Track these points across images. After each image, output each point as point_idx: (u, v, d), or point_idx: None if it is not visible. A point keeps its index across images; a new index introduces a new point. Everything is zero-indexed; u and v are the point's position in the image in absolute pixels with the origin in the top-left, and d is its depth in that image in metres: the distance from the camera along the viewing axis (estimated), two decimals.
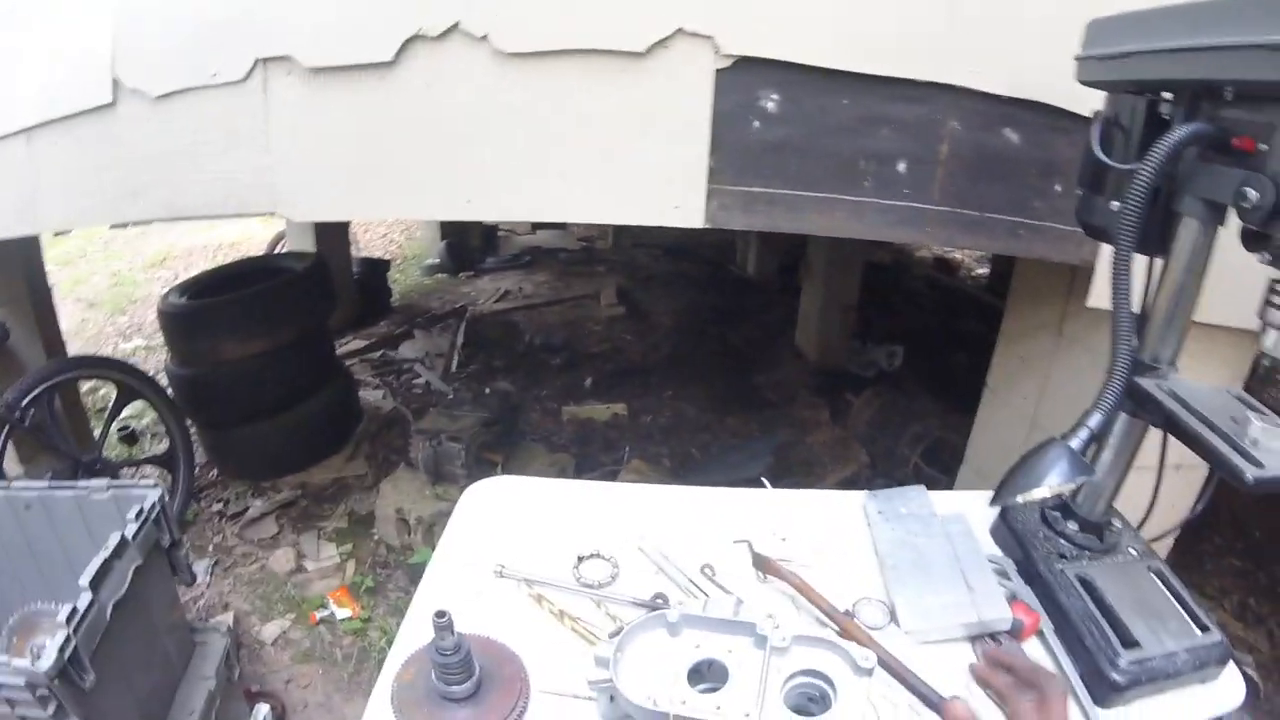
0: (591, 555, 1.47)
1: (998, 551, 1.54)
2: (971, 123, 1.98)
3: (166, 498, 2.29)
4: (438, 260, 7.72)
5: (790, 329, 5.62)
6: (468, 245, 7.81)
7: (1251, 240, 1.09)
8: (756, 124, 1.95)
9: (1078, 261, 2.10)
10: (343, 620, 3.29)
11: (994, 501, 1.27)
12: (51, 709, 1.71)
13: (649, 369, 5.35)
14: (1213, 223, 1.19)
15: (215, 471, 4.23)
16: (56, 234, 3.59)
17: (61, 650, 1.70)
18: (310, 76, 2.14)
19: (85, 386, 4.57)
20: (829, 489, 3.04)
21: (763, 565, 1.38)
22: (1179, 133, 1.09)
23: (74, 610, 1.79)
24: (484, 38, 1.95)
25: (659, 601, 1.34)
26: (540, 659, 1.24)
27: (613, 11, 1.90)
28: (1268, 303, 1.13)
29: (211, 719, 2.33)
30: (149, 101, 2.38)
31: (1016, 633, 1.33)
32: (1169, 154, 1.09)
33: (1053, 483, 1.16)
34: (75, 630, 1.76)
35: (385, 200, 2.35)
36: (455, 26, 1.97)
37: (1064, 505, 1.51)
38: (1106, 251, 1.85)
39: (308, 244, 6.02)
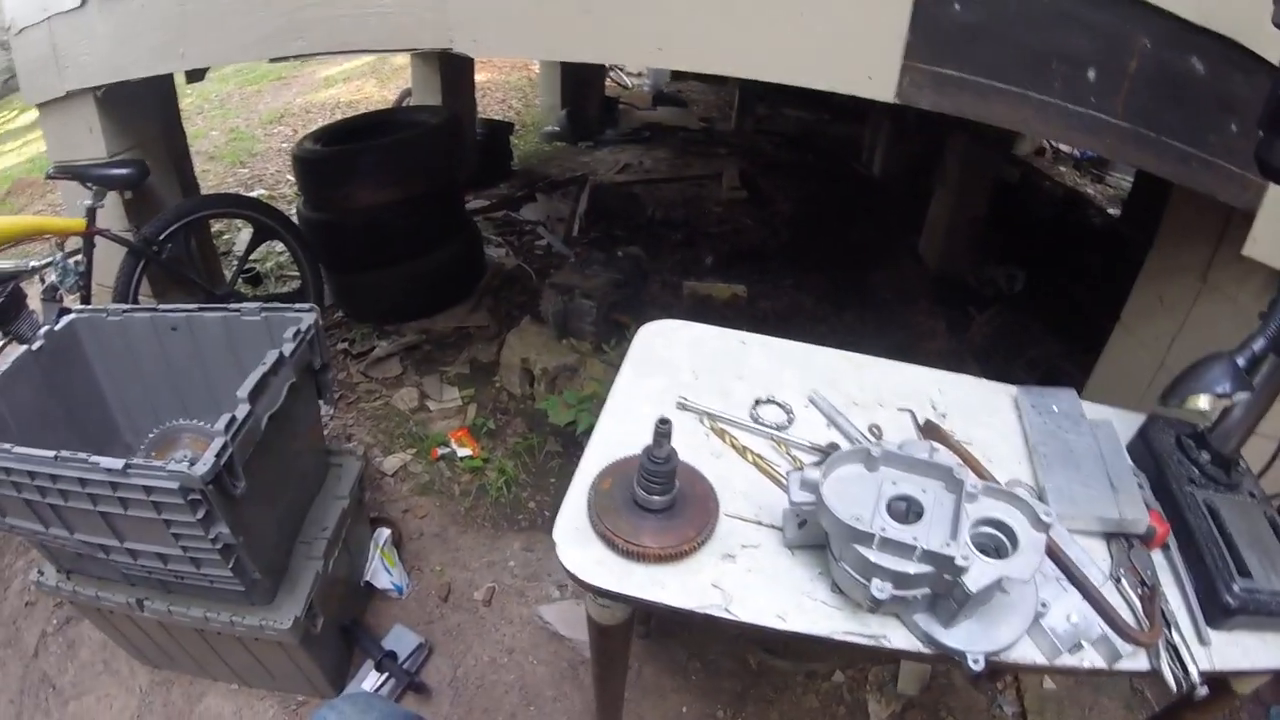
0: (766, 400, 1.58)
1: (1133, 465, 1.61)
2: (1160, 42, 1.95)
3: (320, 323, 2.37)
4: (557, 128, 7.74)
5: (911, 233, 5.56)
6: (588, 115, 7.81)
7: None
8: (956, 6, 1.95)
9: (1240, 205, 2.08)
10: (462, 458, 3.47)
11: (1161, 401, 1.34)
12: (200, 513, 1.79)
13: (768, 255, 5.35)
14: None
15: (341, 314, 4.42)
16: (190, 80, 3.70)
17: (218, 457, 1.77)
18: None
19: (215, 228, 4.78)
20: None
21: (930, 433, 1.48)
22: None
23: (232, 419, 1.86)
24: None
25: (833, 449, 1.45)
26: (724, 486, 1.36)
27: None
28: None
29: (342, 536, 2.47)
30: None
31: (1149, 538, 1.41)
32: None
33: (1215, 390, 1.23)
34: (232, 439, 1.83)
35: (568, 41, 2.39)
36: None
37: (1198, 435, 1.57)
38: (1272, 200, 1.86)
39: (434, 101, 6.11)
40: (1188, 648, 1.25)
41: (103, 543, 1.98)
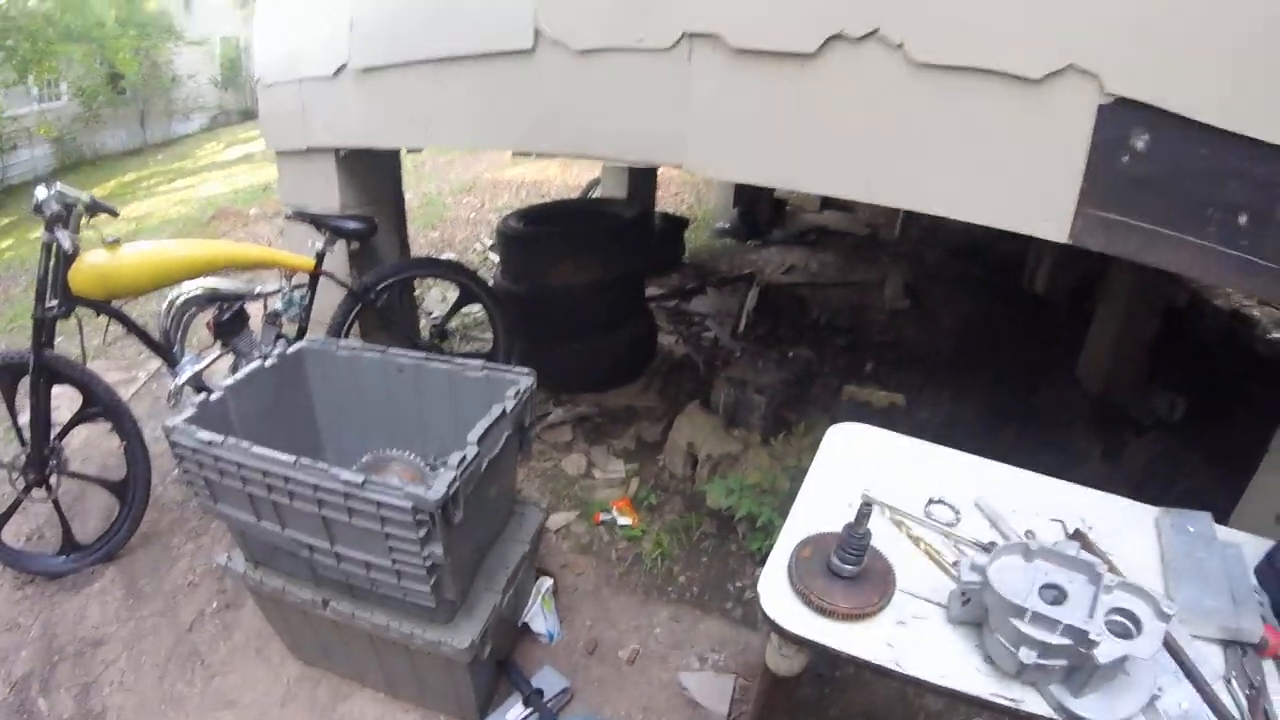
0: (938, 501, 1.83)
1: (1258, 586, 1.73)
2: None
3: (535, 386, 2.65)
4: (728, 225, 8.08)
5: (1072, 355, 5.54)
6: (758, 215, 8.09)
7: None
8: (1126, 159, 2.12)
9: None
10: (622, 526, 3.69)
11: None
12: (422, 533, 2.04)
13: (929, 366, 5.47)
14: None
15: None
16: (410, 150, 4.18)
17: (449, 487, 2.03)
18: (734, 54, 2.48)
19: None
20: None
21: (1082, 541, 1.67)
22: None
23: (463, 458, 2.15)
24: (899, 45, 2.22)
25: (993, 546, 1.65)
26: (900, 567, 1.63)
27: (1017, 40, 2.11)
28: None
29: (517, 577, 2.69)
30: (571, 53, 2.80)
31: (1262, 648, 1.55)
32: None
33: None
34: (461, 474, 2.10)
35: (787, 170, 2.65)
36: (874, 32, 2.25)
37: None
38: None
39: (619, 192, 6.54)
40: None
41: (312, 543, 2.26)
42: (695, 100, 2.65)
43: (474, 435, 2.26)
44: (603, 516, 3.75)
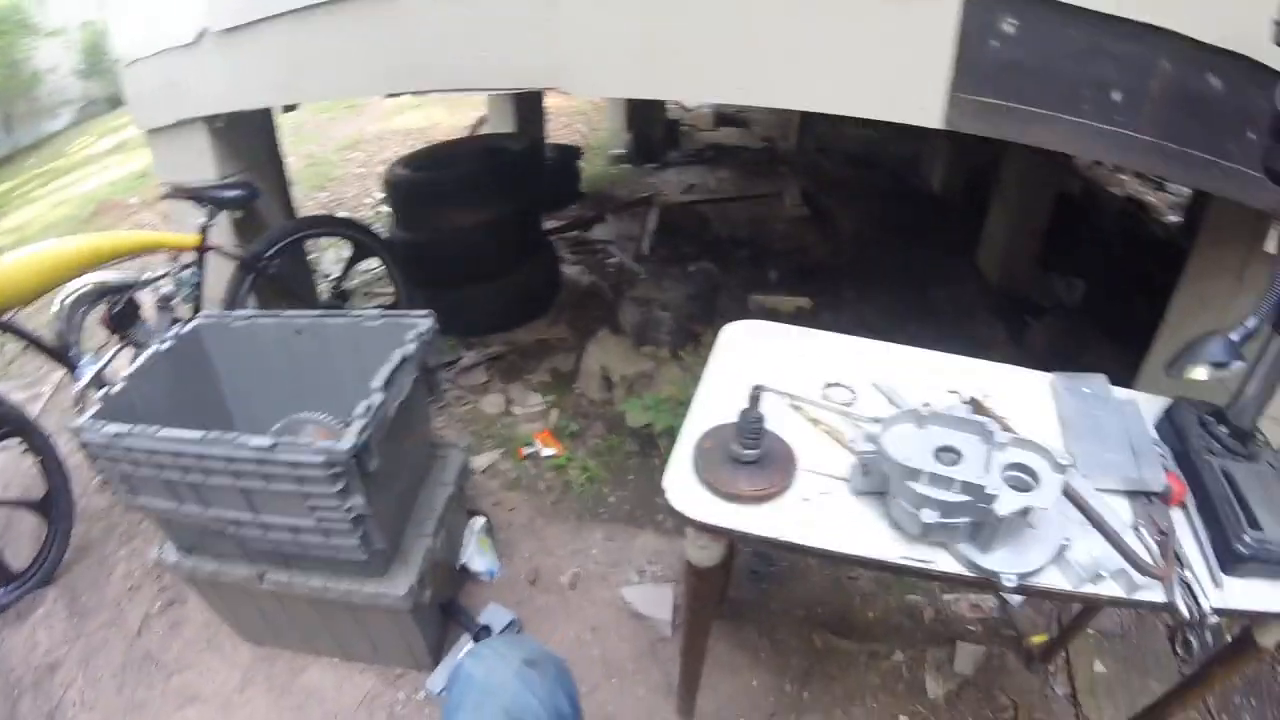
0: (835, 384, 1.85)
1: (1159, 440, 1.81)
2: (1181, 64, 2.13)
3: (435, 329, 2.62)
4: (623, 151, 8.00)
5: (971, 247, 5.70)
6: (652, 138, 8.03)
7: None
8: (995, 44, 2.16)
9: (1262, 206, 2.26)
10: (547, 457, 3.71)
11: (1167, 371, 1.57)
12: (339, 486, 2.02)
13: (832, 270, 5.53)
14: None
15: None
16: (285, 109, 4.07)
17: (359, 435, 2.02)
18: None
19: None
20: None
21: (977, 407, 1.73)
22: None
23: (369, 405, 2.13)
24: None
25: None
26: (801, 449, 1.65)
27: None
28: None
29: (445, 520, 2.67)
30: None
31: (1167, 496, 1.62)
32: None
33: (1211, 361, 1.46)
34: (370, 420, 2.09)
35: (664, 82, 2.64)
36: None
37: (1218, 412, 1.77)
38: None
39: (507, 128, 6.44)
40: (1200, 585, 1.45)
41: (237, 517, 2.22)
42: (567, 20, 2.59)
43: (377, 382, 2.23)
44: (526, 450, 3.76)
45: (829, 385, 1.84)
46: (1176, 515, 1.62)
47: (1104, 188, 7.09)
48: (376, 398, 2.18)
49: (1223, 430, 1.74)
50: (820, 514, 1.51)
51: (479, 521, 3.11)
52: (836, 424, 1.73)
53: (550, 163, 6.71)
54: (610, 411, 3.97)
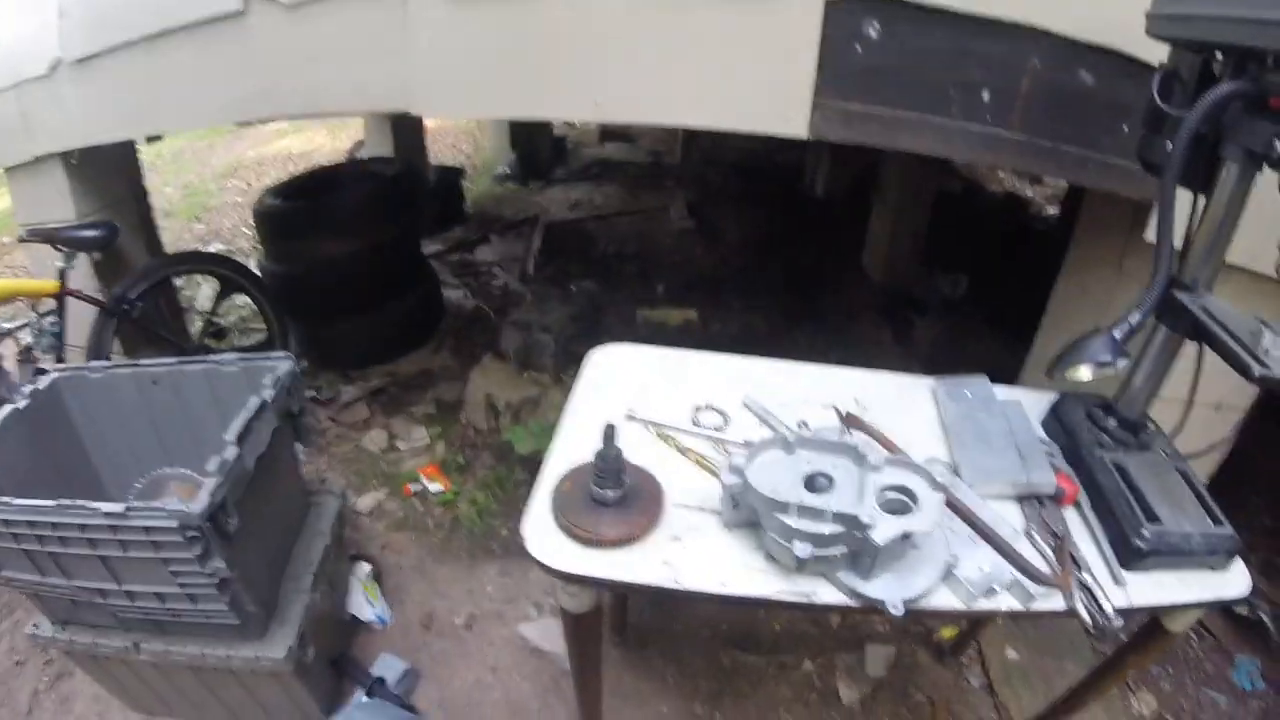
0: (705, 407, 1.75)
1: (1047, 438, 1.77)
2: (1051, 62, 2.13)
3: (296, 370, 2.47)
4: (508, 170, 7.89)
5: (856, 250, 5.76)
6: (537, 156, 7.94)
7: None
8: (859, 49, 2.12)
9: (1138, 196, 2.28)
10: (434, 494, 3.58)
11: (1048, 372, 1.52)
12: (198, 550, 1.89)
13: (719, 281, 5.52)
14: (1250, 169, 1.39)
15: (307, 362, 4.47)
16: (149, 140, 3.85)
17: (213, 495, 1.89)
18: None
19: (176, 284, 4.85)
20: None
21: (850, 422, 1.66)
22: (1222, 89, 1.31)
23: (223, 461, 1.98)
24: None
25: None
26: (670, 482, 1.53)
27: None
28: None
29: (325, 571, 2.54)
30: (282, 9, 2.58)
31: (1058, 498, 1.57)
32: (1212, 106, 1.30)
33: (1095, 360, 1.41)
34: (225, 478, 1.95)
35: (517, 100, 2.54)
36: None
37: (1106, 405, 1.74)
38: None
39: (386, 152, 6.25)
40: (1100, 588, 1.40)
41: (101, 587, 2.05)
42: (417, 40, 2.48)
43: (231, 434, 2.09)
44: (413, 488, 3.61)
45: (700, 409, 1.74)
46: (1071, 516, 1.57)
47: (983, 184, 7.26)
48: (230, 452, 2.04)
49: (1112, 422, 1.71)
50: (691, 553, 1.40)
51: (364, 568, 2.99)
52: (707, 451, 1.63)
53: (432, 184, 6.56)
54: (497, 440, 3.84)
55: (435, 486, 3.61)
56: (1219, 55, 1.43)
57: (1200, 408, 1.67)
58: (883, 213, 5.48)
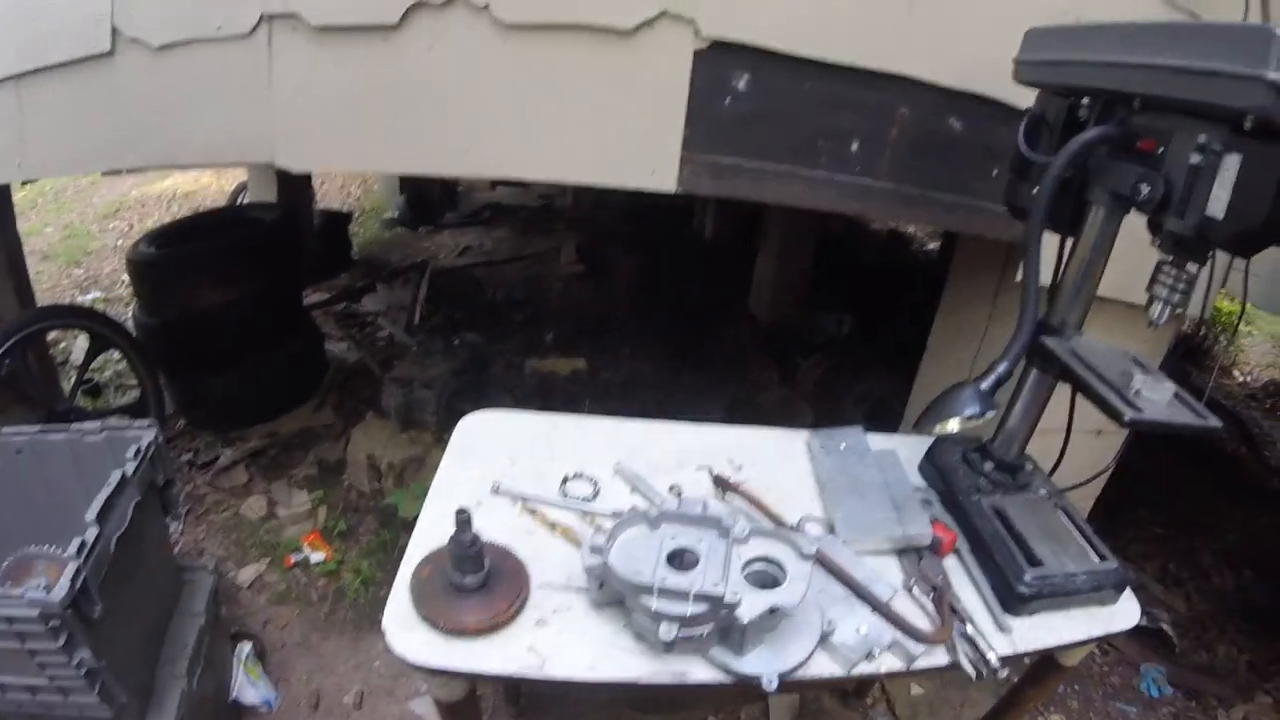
0: (575, 476, 1.68)
1: (924, 485, 1.77)
2: (921, 110, 2.17)
3: (161, 439, 2.35)
4: (396, 214, 7.75)
5: (744, 292, 5.81)
6: (427, 200, 7.81)
7: (1152, 228, 1.32)
8: (728, 101, 2.11)
9: (1009, 239, 2.33)
10: (317, 563, 3.41)
11: (916, 428, 1.51)
12: (62, 640, 1.76)
13: (608, 326, 5.49)
14: (1117, 211, 1.42)
15: (183, 422, 4.28)
16: (24, 183, 3.63)
17: (73, 581, 1.76)
18: (315, 33, 2.24)
19: (51, 339, 4.56)
20: None
21: (723, 484, 1.62)
22: (1088, 134, 1.34)
23: (83, 543, 1.85)
24: (485, 7, 2.07)
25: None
26: (535, 560, 1.45)
27: None
28: (1154, 280, 1.35)
29: (202, 654, 2.40)
30: (150, 51, 2.46)
31: (936, 548, 1.56)
32: (1078, 151, 1.32)
33: (963, 414, 1.40)
34: (85, 562, 1.83)
35: (381, 153, 2.46)
36: None
37: (983, 448, 1.75)
38: None
39: (270, 195, 6.04)
40: (984, 638, 1.38)
41: None
42: (280, 89, 2.39)
43: (91, 513, 1.97)
44: (294, 557, 3.43)
45: (571, 478, 1.68)
46: (952, 564, 1.56)
47: (867, 224, 7.42)
48: (91, 533, 1.91)
49: (989, 465, 1.72)
50: (557, 637, 1.33)
51: (245, 647, 2.82)
52: (576, 525, 1.56)
53: (317, 230, 6.35)
54: (381, 503, 3.69)
55: (318, 555, 3.44)
56: (1085, 100, 1.45)
57: (1081, 435, 1.69)
58: (768, 255, 5.56)
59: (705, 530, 1.31)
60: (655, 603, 1.19)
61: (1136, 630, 3.12)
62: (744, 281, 5.83)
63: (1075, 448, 1.73)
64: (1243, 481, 4.74)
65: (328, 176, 8.96)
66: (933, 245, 7.20)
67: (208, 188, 8.87)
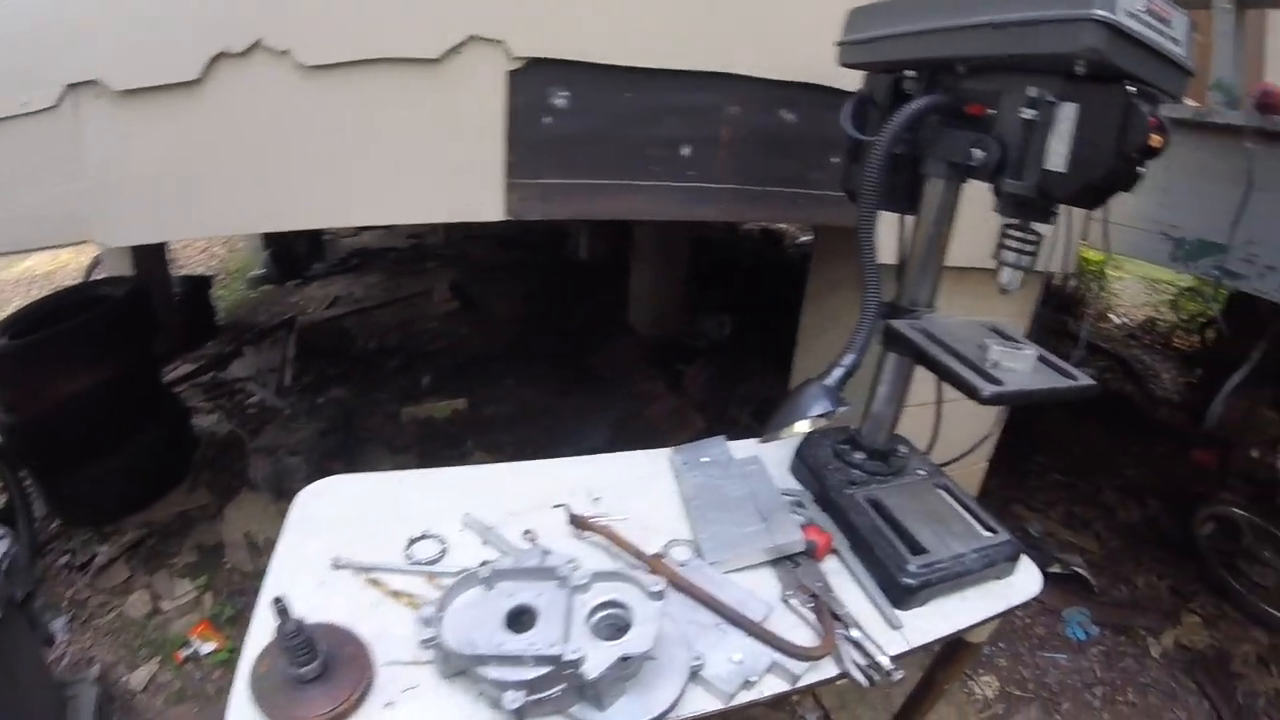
0: (421, 536, 1.57)
1: (797, 486, 1.72)
2: (750, 106, 2.14)
3: (17, 549, 2.18)
4: (263, 271, 7.47)
5: (623, 307, 5.79)
6: (293, 253, 7.57)
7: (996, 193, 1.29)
8: (549, 120, 2.04)
9: (853, 225, 2.30)
10: (208, 655, 3.23)
11: (761, 439, 1.45)
12: None
13: (488, 360, 5.38)
14: (955, 181, 1.40)
15: (56, 522, 4.03)
16: None
17: None
18: (120, 99, 2.10)
19: None
20: None
21: (578, 523, 1.52)
22: (913, 104, 1.30)
23: None
24: (286, 52, 1.97)
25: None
26: (380, 636, 1.33)
27: (407, 21, 1.95)
28: (1001, 245, 1.33)
29: None
30: None
31: (811, 553, 1.50)
32: (903, 123, 1.29)
33: (811, 415, 1.34)
34: None
35: (196, 218, 2.30)
36: (258, 43, 1.98)
37: (851, 438, 1.70)
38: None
39: (125, 267, 5.76)
40: (871, 640, 1.32)
41: None
42: (90, 160, 2.23)
43: None
44: (184, 652, 3.23)
45: (416, 539, 1.56)
46: (834, 567, 1.51)
47: (739, 225, 7.46)
48: None
49: (859, 455, 1.68)
50: (408, 718, 1.22)
51: None
52: (421, 590, 1.45)
53: (177, 298, 6.06)
54: (266, 580, 3.50)
55: (208, 646, 3.26)
56: (910, 74, 1.43)
57: (961, 401, 1.65)
58: (642, 268, 5.57)
59: (544, 582, 1.21)
60: (493, 672, 1.09)
61: (1053, 577, 3.17)
62: (622, 297, 5.81)
63: (959, 416, 1.71)
64: (1133, 417, 4.89)
65: (188, 241, 8.58)
66: (805, 239, 7.26)
67: (66, 265, 8.40)
